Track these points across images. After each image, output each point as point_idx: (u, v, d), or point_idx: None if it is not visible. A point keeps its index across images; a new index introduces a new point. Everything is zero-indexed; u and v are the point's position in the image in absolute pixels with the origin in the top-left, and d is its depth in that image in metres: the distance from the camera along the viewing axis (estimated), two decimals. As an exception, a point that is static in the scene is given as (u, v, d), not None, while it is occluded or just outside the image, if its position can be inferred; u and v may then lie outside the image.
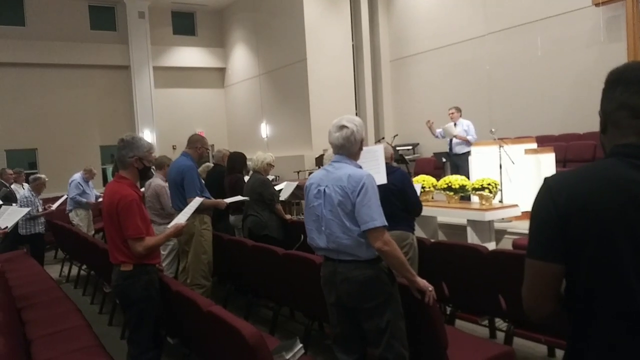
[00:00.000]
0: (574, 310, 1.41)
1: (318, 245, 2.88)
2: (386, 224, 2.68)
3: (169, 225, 3.71)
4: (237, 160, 6.50)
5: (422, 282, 2.78)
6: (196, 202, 4.13)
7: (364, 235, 2.69)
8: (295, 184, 7.41)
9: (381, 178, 3.79)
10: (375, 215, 2.65)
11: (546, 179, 1.42)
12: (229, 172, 6.47)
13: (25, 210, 6.02)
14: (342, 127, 2.83)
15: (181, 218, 3.76)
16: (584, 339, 1.38)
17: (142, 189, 6.23)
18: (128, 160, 3.35)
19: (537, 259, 1.39)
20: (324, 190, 2.81)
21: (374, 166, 3.77)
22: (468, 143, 8.76)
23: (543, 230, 1.38)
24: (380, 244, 2.63)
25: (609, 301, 1.31)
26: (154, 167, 6.70)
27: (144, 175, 3.48)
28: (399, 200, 4.14)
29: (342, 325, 2.90)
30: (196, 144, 5.15)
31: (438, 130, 9.25)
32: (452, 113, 9.10)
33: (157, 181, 5.89)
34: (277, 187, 6.66)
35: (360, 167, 2.87)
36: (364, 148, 3.00)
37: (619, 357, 1.31)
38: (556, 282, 1.39)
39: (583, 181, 1.35)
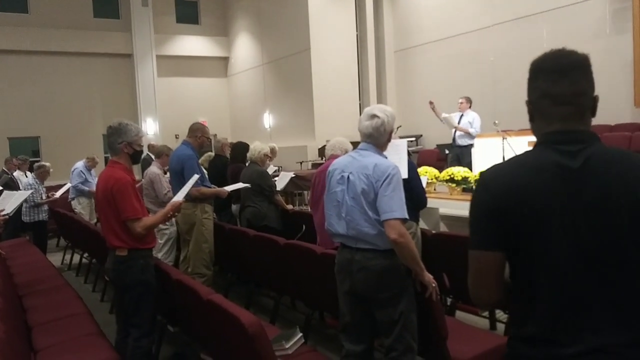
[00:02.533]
0: (515, 294, 1.47)
1: (337, 232, 2.86)
2: (406, 216, 2.67)
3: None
4: (240, 150, 6.48)
5: (428, 277, 2.77)
6: (193, 179, 4.12)
7: (382, 225, 2.67)
8: (290, 174, 7.40)
9: (403, 172, 3.77)
10: (395, 207, 2.63)
11: (481, 173, 1.50)
12: (231, 161, 6.46)
13: (27, 193, 6.02)
14: (373, 116, 2.80)
15: (178, 197, 3.77)
16: (526, 321, 1.42)
17: (141, 180, 6.24)
18: (117, 146, 3.41)
19: (477, 248, 1.46)
20: (348, 176, 2.78)
21: (396, 160, 3.73)
22: (470, 136, 8.66)
23: (480, 221, 1.45)
24: (395, 235, 2.60)
25: (546, 284, 1.37)
26: (153, 155, 6.71)
27: (135, 159, 3.52)
28: (405, 189, 4.11)
29: (352, 315, 2.87)
30: (196, 133, 5.12)
31: (444, 115, 9.10)
32: (462, 103, 8.97)
33: (153, 169, 5.90)
34: (274, 179, 6.64)
35: (386, 158, 2.84)
36: None
37: (558, 338, 1.36)
38: (497, 270, 1.45)
39: (514, 171, 1.43)
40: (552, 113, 1.42)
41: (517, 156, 1.48)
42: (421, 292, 2.80)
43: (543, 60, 1.46)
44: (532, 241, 1.37)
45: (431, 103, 9.07)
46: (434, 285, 2.78)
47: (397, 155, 3.88)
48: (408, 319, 2.75)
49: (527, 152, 1.47)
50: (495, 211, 1.40)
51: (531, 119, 1.49)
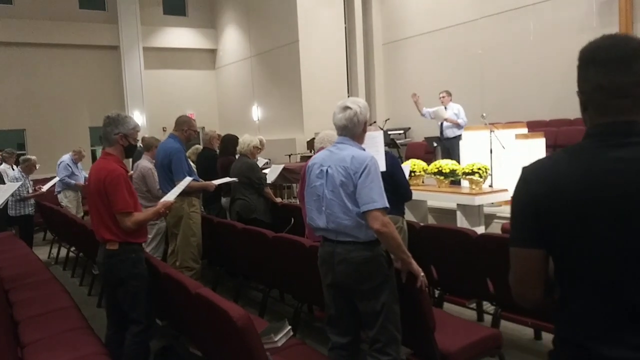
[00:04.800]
0: (560, 294, 1.42)
1: (317, 226, 2.88)
2: (387, 206, 2.68)
3: (159, 202, 3.69)
4: (229, 143, 6.47)
5: (416, 266, 2.80)
6: (186, 180, 4.11)
7: (364, 216, 2.68)
8: (281, 167, 7.40)
9: (380, 164, 3.78)
10: (375, 197, 2.65)
11: (522, 169, 1.43)
12: (221, 154, 6.44)
13: (16, 185, 5.95)
14: (346, 107, 2.83)
15: (169, 196, 3.75)
16: (568, 322, 1.38)
17: (131, 172, 6.19)
18: (113, 137, 3.35)
19: (518, 246, 1.41)
20: (327, 170, 2.80)
21: (373, 152, 3.75)
22: (458, 127, 8.79)
23: (520, 217, 1.40)
24: (378, 225, 2.62)
25: (590, 284, 1.32)
26: (141, 147, 6.64)
27: (129, 152, 3.47)
28: (388, 183, 4.13)
29: (337, 307, 2.90)
30: (183, 126, 5.08)
31: (426, 110, 9.25)
32: (443, 97, 9.12)
33: (144, 163, 5.84)
34: (264, 171, 6.65)
35: (364, 150, 2.86)
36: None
37: (599, 337, 1.31)
38: (540, 268, 1.40)
39: (555, 166, 1.37)
40: (607, 105, 1.34)
41: (559, 151, 1.40)
42: (407, 282, 2.82)
43: (595, 50, 1.35)
44: (572, 239, 1.32)
45: (414, 95, 9.20)
46: (422, 274, 2.80)
47: (374, 147, 3.90)
48: (391, 309, 2.77)
49: (570, 147, 1.39)
50: (534, 208, 1.36)
51: (584, 110, 1.41)
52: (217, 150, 6.66)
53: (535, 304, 1.44)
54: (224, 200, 6.36)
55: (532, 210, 1.36)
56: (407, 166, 6.45)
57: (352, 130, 2.84)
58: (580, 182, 1.30)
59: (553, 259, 1.39)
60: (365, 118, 2.86)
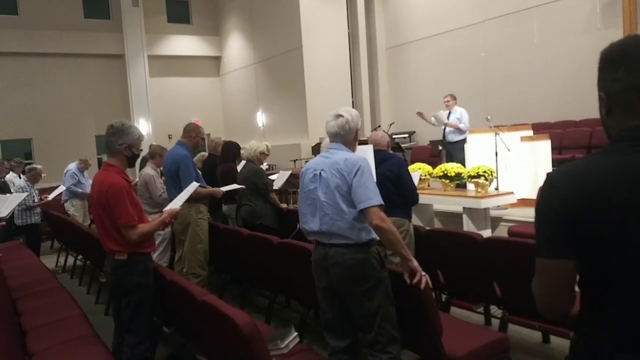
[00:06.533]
0: (588, 302, 1.36)
1: (311, 229, 2.92)
2: (382, 203, 2.74)
3: (164, 210, 3.67)
4: (230, 150, 6.48)
5: (415, 263, 2.81)
6: (192, 186, 4.11)
7: (358, 217, 2.74)
8: (288, 172, 7.39)
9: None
10: (371, 195, 2.71)
11: (548, 175, 1.36)
12: (221, 161, 6.45)
13: (22, 195, 5.98)
14: (338, 115, 2.93)
15: (176, 203, 3.73)
16: (600, 331, 1.32)
17: (136, 180, 6.22)
18: (117, 147, 3.29)
19: (549, 257, 1.33)
20: (320, 173, 2.87)
21: None
22: (460, 131, 8.76)
23: (550, 227, 1.31)
24: (378, 220, 2.68)
25: (628, 292, 1.26)
26: (146, 155, 6.67)
27: (132, 163, 3.43)
28: (395, 186, 4.14)
29: (333, 311, 2.92)
30: (191, 133, 5.11)
31: (432, 114, 9.26)
32: (448, 101, 9.09)
33: (148, 170, 5.90)
34: (271, 177, 6.65)
35: None
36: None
37: (630, 346, 1.27)
38: (572, 279, 1.33)
39: (589, 172, 1.28)
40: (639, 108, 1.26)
41: (588, 156, 1.32)
42: (409, 282, 2.81)
43: (626, 48, 1.29)
44: (614, 246, 1.24)
45: (419, 113, 9.24)
46: (421, 271, 2.80)
47: None
48: (386, 310, 2.80)
49: (600, 151, 1.32)
50: (566, 217, 1.27)
51: (607, 113, 1.33)
52: (220, 157, 6.67)
53: (563, 316, 1.37)
54: (225, 207, 6.37)
55: (566, 219, 1.28)
56: (417, 173, 6.43)
57: (344, 137, 2.93)
58: (621, 188, 1.23)
59: (583, 267, 1.31)
60: (356, 126, 2.96)
